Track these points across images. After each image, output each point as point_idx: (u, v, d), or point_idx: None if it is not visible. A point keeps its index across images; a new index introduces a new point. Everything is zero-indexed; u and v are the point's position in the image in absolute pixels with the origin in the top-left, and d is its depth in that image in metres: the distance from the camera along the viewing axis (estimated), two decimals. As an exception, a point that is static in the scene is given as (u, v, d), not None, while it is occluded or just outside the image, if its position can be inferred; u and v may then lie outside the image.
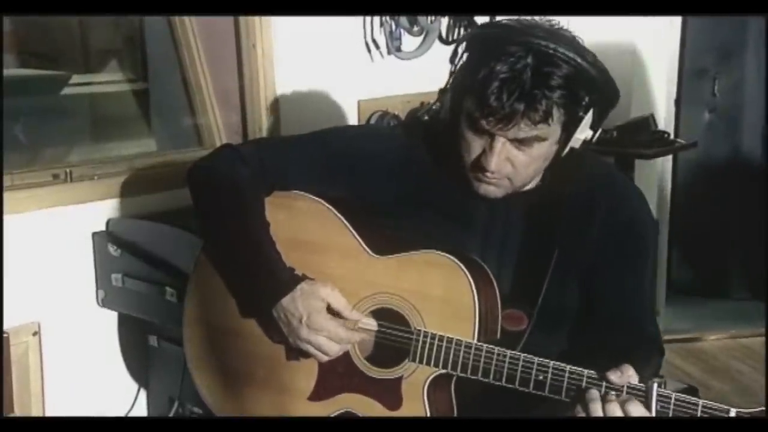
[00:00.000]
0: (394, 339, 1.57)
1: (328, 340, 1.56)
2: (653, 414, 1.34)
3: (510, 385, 1.46)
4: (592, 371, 1.40)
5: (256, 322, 1.65)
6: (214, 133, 2.74)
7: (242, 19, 2.62)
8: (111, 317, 2.45)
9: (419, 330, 1.54)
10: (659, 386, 1.35)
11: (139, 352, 2.44)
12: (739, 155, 4.18)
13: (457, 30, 2.98)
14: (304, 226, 1.66)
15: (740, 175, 4.16)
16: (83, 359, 2.40)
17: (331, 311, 1.57)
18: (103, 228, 2.38)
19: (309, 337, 1.55)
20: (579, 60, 1.44)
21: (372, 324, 1.59)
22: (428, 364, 1.52)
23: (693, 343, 3.77)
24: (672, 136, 3.44)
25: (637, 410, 1.34)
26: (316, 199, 1.66)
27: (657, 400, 1.34)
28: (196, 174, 1.72)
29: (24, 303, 2.25)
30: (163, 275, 2.18)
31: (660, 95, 3.61)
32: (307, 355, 1.59)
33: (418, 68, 2.91)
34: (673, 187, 3.88)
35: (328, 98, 2.78)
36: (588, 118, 1.51)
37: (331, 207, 1.65)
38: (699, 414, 1.32)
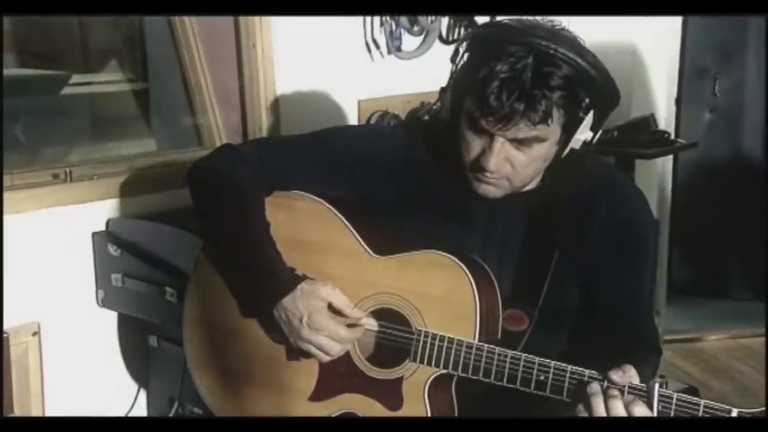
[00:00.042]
0: (394, 339, 1.57)
1: (329, 340, 1.55)
2: (655, 414, 1.34)
3: (511, 386, 1.46)
4: (593, 371, 1.40)
5: (257, 322, 1.64)
6: (214, 133, 2.74)
7: (242, 19, 2.62)
8: (111, 317, 2.44)
9: (420, 330, 1.54)
10: (661, 386, 1.35)
11: (139, 352, 2.44)
12: (740, 155, 4.19)
13: (457, 30, 2.98)
14: (304, 226, 1.66)
15: (741, 175, 4.16)
16: (83, 359, 2.40)
17: (332, 311, 1.57)
18: (103, 228, 2.38)
19: (310, 336, 1.55)
20: (579, 61, 1.44)
21: (372, 324, 1.59)
22: (429, 364, 1.52)
23: (693, 343, 3.77)
24: (672, 136, 3.43)
25: (638, 410, 1.34)
26: (317, 199, 1.66)
27: (659, 401, 1.34)
28: (196, 174, 1.72)
29: (24, 303, 2.25)
30: (163, 275, 2.18)
31: (660, 95, 3.61)
32: (307, 355, 1.59)
33: (418, 68, 2.90)
34: (673, 187, 3.88)
35: (328, 98, 2.78)
36: (588, 119, 1.50)
37: (331, 207, 1.65)
38: (701, 414, 1.32)
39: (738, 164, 4.18)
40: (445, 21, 2.97)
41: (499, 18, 1.63)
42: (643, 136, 3.24)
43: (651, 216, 1.69)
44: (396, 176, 1.65)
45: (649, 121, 3.35)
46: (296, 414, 1.63)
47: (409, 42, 2.91)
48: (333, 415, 1.60)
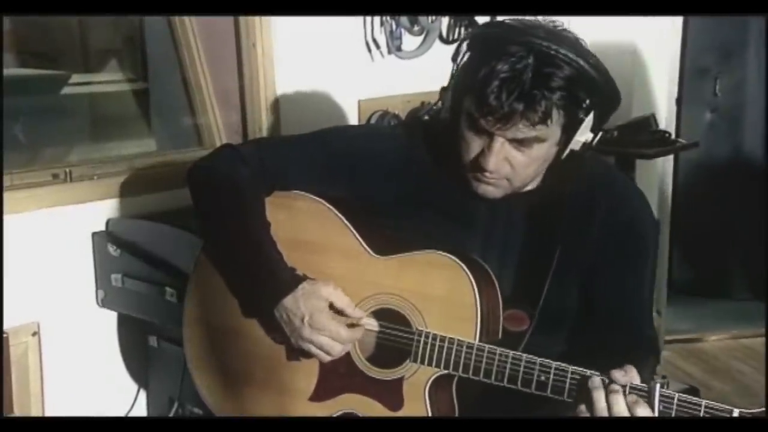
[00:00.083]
0: (395, 339, 1.57)
1: (330, 340, 1.55)
2: (656, 414, 1.34)
3: (512, 386, 1.45)
4: (595, 371, 1.40)
5: (257, 322, 1.64)
6: (214, 133, 2.74)
7: (242, 19, 2.61)
8: (111, 317, 2.44)
9: (420, 330, 1.54)
10: (662, 386, 1.35)
11: (139, 352, 2.44)
12: (741, 155, 4.18)
13: (457, 30, 2.98)
14: (304, 226, 1.66)
15: (741, 175, 4.16)
16: (83, 359, 2.40)
17: (334, 311, 1.57)
18: (103, 228, 2.37)
19: (311, 336, 1.55)
20: (580, 62, 1.44)
21: (373, 324, 1.59)
22: (430, 364, 1.52)
23: (694, 343, 3.77)
24: (673, 136, 3.43)
25: (640, 410, 1.34)
26: (317, 199, 1.66)
27: (660, 401, 1.34)
28: (196, 174, 1.72)
29: (23, 303, 2.24)
30: (163, 275, 2.18)
31: (661, 95, 3.60)
32: (308, 355, 1.58)
33: (418, 68, 2.90)
34: (674, 187, 3.87)
35: (328, 98, 2.78)
36: (588, 120, 1.50)
37: (331, 207, 1.65)
38: (702, 414, 1.32)
39: (739, 164, 4.17)
40: (445, 21, 2.97)
41: (499, 18, 1.62)
42: (644, 136, 3.24)
43: (651, 216, 1.69)
44: (396, 176, 1.65)
45: (649, 120, 3.34)
46: (296, 414, 1.62)
47: (410, 42, 2.91)
48: (333, 416, 1.59)
